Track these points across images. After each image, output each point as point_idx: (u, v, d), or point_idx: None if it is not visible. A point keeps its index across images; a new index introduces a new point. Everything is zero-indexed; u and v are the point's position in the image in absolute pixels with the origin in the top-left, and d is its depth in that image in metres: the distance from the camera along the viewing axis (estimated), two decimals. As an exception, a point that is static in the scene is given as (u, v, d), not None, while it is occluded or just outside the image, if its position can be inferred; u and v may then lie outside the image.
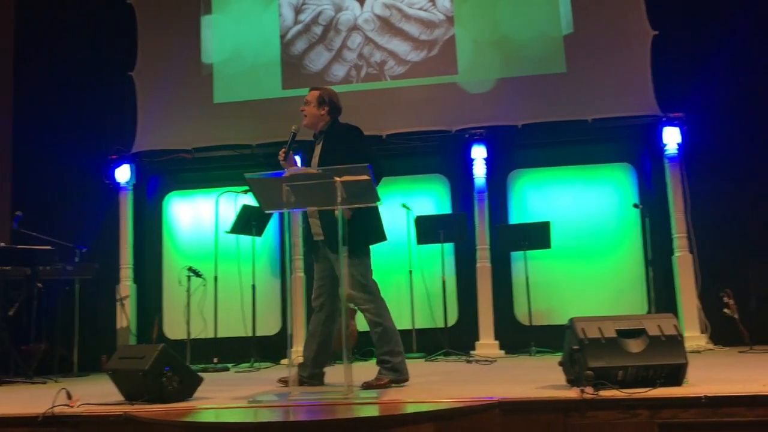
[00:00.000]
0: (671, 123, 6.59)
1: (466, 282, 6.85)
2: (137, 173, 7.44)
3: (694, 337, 6.14)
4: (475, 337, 6.57)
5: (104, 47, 7.63)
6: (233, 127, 7.17)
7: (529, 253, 6.49)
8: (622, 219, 6.87)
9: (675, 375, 3.31)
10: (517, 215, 7.01)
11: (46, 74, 7.74)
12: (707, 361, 4.90)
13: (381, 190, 3.67)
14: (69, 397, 3.45)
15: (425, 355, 6.35)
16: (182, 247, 7.49)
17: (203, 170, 7.49)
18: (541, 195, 7.05)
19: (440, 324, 6.52)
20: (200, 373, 3.90)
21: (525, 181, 7.11)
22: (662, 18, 6.74)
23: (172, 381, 3.58)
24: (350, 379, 3.47)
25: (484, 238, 6.74)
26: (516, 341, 6.48)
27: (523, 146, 7.07)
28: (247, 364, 6.31)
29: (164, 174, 7.63)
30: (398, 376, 4.04)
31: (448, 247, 6.83)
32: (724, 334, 6.21)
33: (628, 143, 7.00)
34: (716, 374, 4.00)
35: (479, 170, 6.84)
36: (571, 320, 3.49)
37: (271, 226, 6.98)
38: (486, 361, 5.71)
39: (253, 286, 6.66)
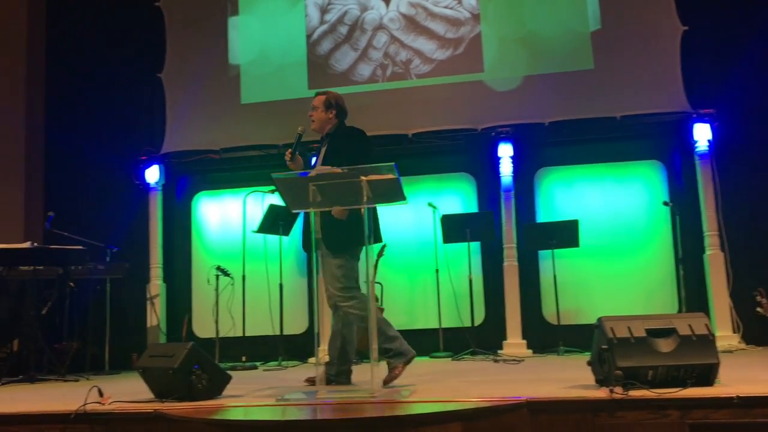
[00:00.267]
0: (702, 119, 6.49)
1: (493, 281, 6.82)
2: (166, 174, 7.54)
3: (726, 337, 6.04)
4: (503, 336, 6.54)
5: (134, 49, 7.73)
6: (260, 128, 7.22)
7: (557, 251, 6.44)
8: (651, 217, 6.78)
9: (706, 375, 3.26)
10: (544, 214, 6.96)
11: (77, 76, 7.87)
12: (739, 361, 4.82)
13: (407, 189, 3.66)
14: (101, 394, 3.51)
15: (452, 355, 6.33)
16: (211, 246, 7.56)
17: (231, 170, 7.55)
18: (569, 193, 6.99)
19: (467, 323, 6.49)
20: (229, 372, 3.94)
21: (552, 179, 7.05)
22: (692, 13, 6.64)
23: (201, 379, 3.62)
24: (377, 378, 3.48)
25: (511, 237, 6.70)
26: (544, 341, 6.43)
27: (550, 144, 7.01)
28: (275, 363, 6.35)
29: (193, 174, 7.71)
30: (406, 358, 4.07)
31: (475, 246, 6.80)
32: (757, 333, 6.11)
33: (657, 140, 6.90)
34: (748, 374, 3.93)
35: (506, 168, 6.80)
36: (600, 319, 3.46)
37: (298, 226, 7.01)
38: (513, 360, 5.68)
39: (281, 285, 6.70)
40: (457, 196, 7.19)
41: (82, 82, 7.84)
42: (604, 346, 3.33)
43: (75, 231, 6.35)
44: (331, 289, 4.15)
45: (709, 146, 6.49)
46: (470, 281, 6.54)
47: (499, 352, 6.30)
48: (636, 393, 3.08)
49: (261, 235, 6.66)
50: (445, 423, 2.93)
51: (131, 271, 6.75)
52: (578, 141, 6.92)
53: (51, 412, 3.43)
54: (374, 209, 4.14)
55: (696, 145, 6.51)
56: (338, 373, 4.22)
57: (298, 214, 6.51)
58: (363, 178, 3.51)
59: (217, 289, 6.69)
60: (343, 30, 7.28)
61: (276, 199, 6.52)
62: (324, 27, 7.34)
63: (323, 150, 4.35)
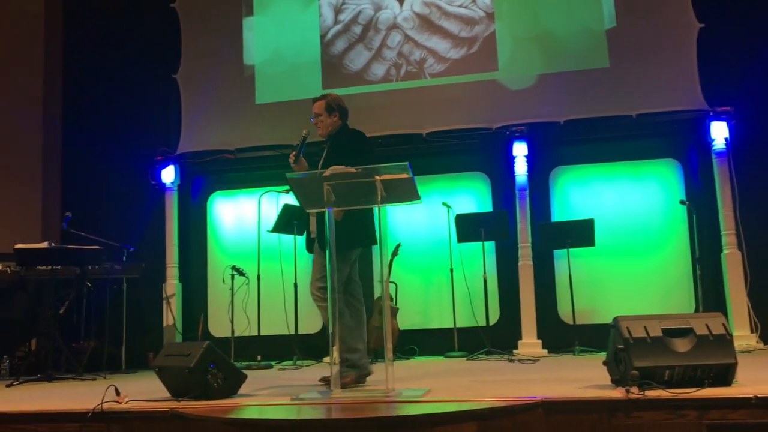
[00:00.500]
0: (719, 117, 6.43)
1: (508, 280, 6.80)
2: (182, 174, 7.58)
3: (744, 337, 5.98)
4: (518, 336, 6.52)
5: (149, 50, 7.79)
6: (275, 128, 7.25)
7: (573, 251, 6.41)
8: (668, 216, 6.73)
9: (724, 375, 3.23)
10: (559, 213, 6.93)
11: (93, 78, 7.94)
12: (757, 361, 4.77)
13: (421, 188, 3.66)
14: (117, 393, 3.53)
15: (467, 354, 6.32)
16: (226, 246, 7.60)
17: (246, 170, 7.59)
18: (584, 192, 6.96)
19: (482, 323, 6.48)
20: (244, 371, 3.96)
21: (568, 178, 7.02)
22: (708, 10, 6.59)
23: (216, 378, 3.64)
24: (392, 378, 3.48)
25: (526, 236, 6.68)
26: (559, 340, 6.40)
27: (565, 143, 6.98)
28: (290, 362, 6.37)
29: (208, 174, 7.76)
30: (359, 372, 4.11)
31: (490, 245, 6.78)
32: (776, 333, 6.06)
33: (673, 138, 6.85)
34: (767, 374, 3.89)
35: (521, 168, 6.78)
36: (616, 319, 3.44)
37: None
38: (528, 360, 5.66)
39: (295, 285, 6.72)
40: (472, 195, 7.18)
41: (98, 84, 7.91)
42: (620, 346, 3.31)
43: (92, 231, 6.40)
44: (314, 282, 4.24)
45: (726, 144, 6.43)
46: (485, 281, 6.52)
47: (514, 351, 6.28)
48: (652, 393, 3.06)
49: (276, 235, 6.68)
50: (459, 423, 2.92)
51: (147, 271, 6.80)
52: (593, 140, 6.89)
53: (68, 410, 3.46)
54: (369, 211, 4.15)
55: (713, 143, 6.46)
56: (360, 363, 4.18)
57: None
58: (377, 177, 3.51)
59: (232, 289, 6.72)
60: (357, 30, 7.29)
61: (290, 199, 6.54)
62: (338, 27, 7.35)
63: (325, 151, 4.39)
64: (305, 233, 4.49)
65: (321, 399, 3.51)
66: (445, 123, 6.96)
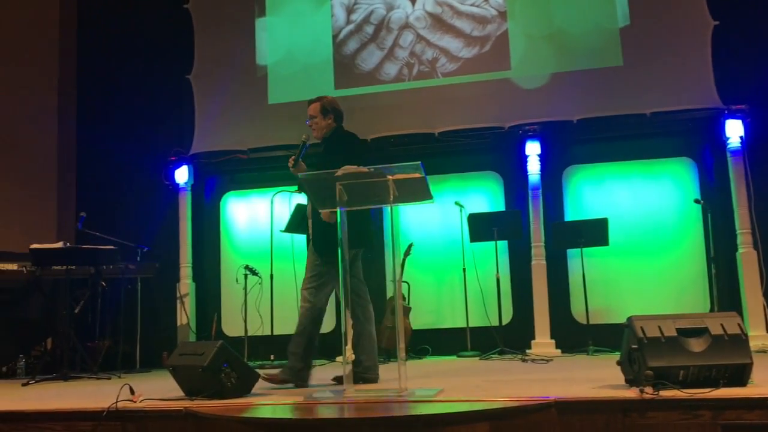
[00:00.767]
0: (734, 115, 6.38)
1: (521, 280, 6.78)
2: (195, 174, 7.62)
3: (760, 336, 5.93)
4: (531, 335, 6.50)
5: (162, 51, 7.83)
6: (287, 128, 7.25)
7: (586, 250, 6.38)
8: (682, 215, 6.69)
9: (739, 375, 3.21)
10: (573, 212, 6.90)
11: (107, 78, 7.99)
12: (774, 362, 4.73)
13: (433, 187, 3.66)
14: (132, 392, 3.56)
15: (479, 354, 6.31)
16: (239, 246, 7.63)
17: (259, 170, 7.61)
18: (598, 191, 6.92)
19: (495, 322, 6.46)
20: (257, 370, 3.97)
21: (581, 178, 6.98)
22: (723, 7, 6.53)
23: (230, 377, 3.65)
24: (404, 377, 3.48)
25: (539, 236, 6.66)
26: (573, 340, 6.38)
27: (578, 142, 6.95)
28: (303, 362, 6.38)
29: (221, 174, 7.79)
30: (289, 378, 4.18)
31: (502, 244, 6.76)
32: (792, 333, 5.99)
33: (688, 137, 6.80)
34: (783, 375, 3.85)
35: (533, 167, 6.76)
36: (630, 319, 3.42)
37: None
38: (542, 360, 5.64)
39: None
40: (484, 194, 7.16)
41: (112, 84, 7.96)
42: (634, 346, 3.29)
43: (106, 231, 6.44)
44: (303, 281, 4.30)
45: (741, 143, 6.38)
46: (498, 280, 6.50)
47: (527, 351, 6.26)
48: (667, 393, 3.04)
49: (288, 235, 6.69)
50: (472, 423, 2.92)
51: (161, 271, 6.83)
52: (607, 138, 6.85)
53: (83, 409, 3.49)
54: (365, 213, 4.18)
55: (728, 141, 6.41)
56: (297, 371, 4.23)
57: (381, 210, 6.57)
58: (389, 177, 3.52)
59: (245, 288, 6.74)
60: (369, 29, 7.29)
61: (303, 199, 6.55)
62: (350, 27, 7.35)
63: (319, 154, 4.45)
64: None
65: (334, 398, 3.52)
66: (458, 122, 6.95)
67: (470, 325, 6.61)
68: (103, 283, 6.17)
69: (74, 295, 5.93)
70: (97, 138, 7.88)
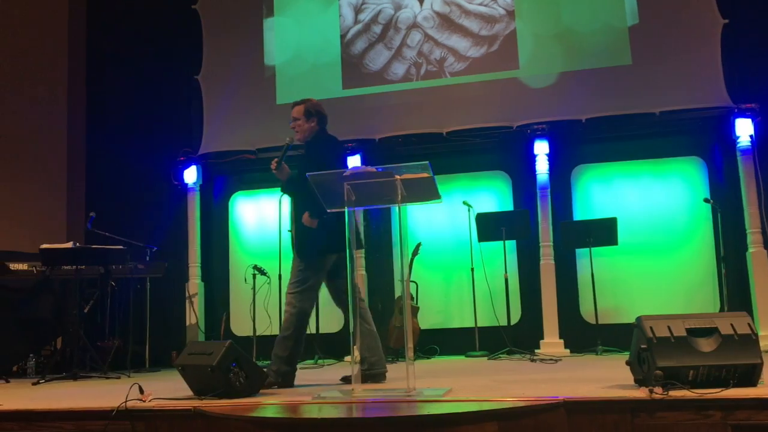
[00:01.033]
0: (743, 114, 6.35)
1: (529, 280, 6.77)
2: (204, 174, 7.64)
3: (770, 337, 5.90)
4: (539, 335, 6.48)
5: (171, 52, 7.85)
6: (295, 128, 7.26)
7: (595, 250, 6.37)
8: (692, 214, 6.66)
9: (749, 375, 3.19)
10: (581, 212, 6.88)
11: (116, 79, 8.03)
12: (784, 362, 4.70)
13: (441, 187, 3.66)
14: (141, 391, 3.57)
15: (488, 354, 6.30)
16: (247, 245, 7.65)
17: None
18: (606, 191, 6.90)
19: (503, 322, 6.45)
20: (266, 370, 3.98)
21: (590, 177, 6.96)
22: (732, 6, 6.50)
23: (239, 377, 3.66)
24: (413, 377, 3.48)
25: (548, 235, 6.64)
26: (581, 340, 6.36)
27: (587, 141, 6.93)
28: (311, 361, 6.40)
29: (230, 175, 7.81)
30: (281, 381, 4.19)
31: (511, 244, 6.75)
32: (803, 333, 5.95)
33: (697, 136, 6.77)
34: (794, 375, 3.83)
35: (542, 166, 6.74)
36: (639, 318, 3.41)
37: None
38: (550, 359, 5.63)
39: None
40: (493, 194, 7.15)
41: (121, 85, 7.99)
42: (643, 346, 3.28)
43: (115, 231, 6.47)
44: (288, 287, 4.33)
45: (751, 142, 6.34)
46: (506, 280, 6.49)
47: (536, 351, 6.25)
48: (676, 393, 3.03)
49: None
50: (480, 422, 2.91)
51: (170, 271, 6.85)
52: (616, 138, 6.83)
53: (93, 408, 3.50)
54: (335, 220, 4.19)
55: (738, 140, 6.37)
56: (284, 374, 4.25)
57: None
58: (397, 177, 3.52)
59: (254, 288, 6.76)
60: (377, 29, 7.30)
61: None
62: (358, 27, 7.36)
63: (301, 157, 4.54)
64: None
65: (342, 398, 3.52)
66: (466, 122, 6.94)
67: (478, 324, 6.61)
68: (113, 282, 6.20)
69: (84, 294, 5.96)
70: (106, 138, 7.92)
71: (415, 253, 6.48)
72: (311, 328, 6.64)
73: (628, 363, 3.51)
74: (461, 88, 7.03)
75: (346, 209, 3.68)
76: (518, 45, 6.94)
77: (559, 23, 6.86)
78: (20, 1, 8.22)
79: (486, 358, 6.19)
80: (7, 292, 6.21)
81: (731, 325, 3.27)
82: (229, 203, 7.79)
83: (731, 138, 6.43)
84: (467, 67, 7.05)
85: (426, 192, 3.61)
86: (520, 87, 6.90)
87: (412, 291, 6.70)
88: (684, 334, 3.26)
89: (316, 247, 4.25)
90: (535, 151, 6.76)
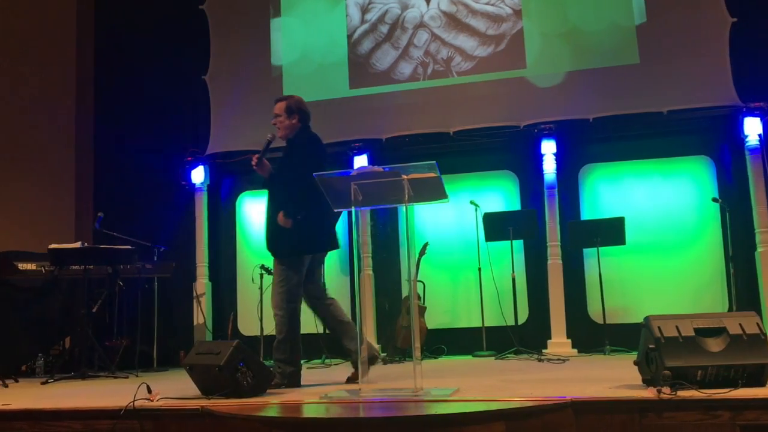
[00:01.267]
0: (752, 113, 6.31)
1: (537, 279, 6.75)
2: (211, 174, 7.66)
3: (779, 336, 5.86)
4: (547, 335, 6.47)
5: (179, 52, 7.87)
6: (302, 128, 7.27)
7: (603, 249, 6.35)
8: (700, 214, 6.63)
9: (758, 375, 3.17)
10: (589, 211, 6.86)
11: (124, 80, 8.05)
12: (794, 362, 4.66)
13: (448, 187, 3.65)
14: (149, 391, 3.58)
15: (495, 354, 6.29)
16: (255, 245, 7.65)
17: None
18: (614, 190, 6.88)
19: (510, 322, 6.44)
20: (272, 369, 3.99)
21: (597, 176, 6.94)
22: (741, 4, 6.47)
23: (246, 376, 3.67)
24: (420, 376, 3.48)
25: (555, 235, 6.63)
26: (589, 340, 6.35)
27: (595, 140, 6.91)
28: (319, 361, 6.40)
29: (237, 175, 7.82)
30: (287, 382, 4.21)
31: (518, 244, 6.74)
32: (812, 333, 5.91)
33: (706, 135, 6.74)
34: (804, 375, 3.80)
35: (549, 165, 6.73)
36: (647, 318, 3.40)
37: (340, 225, 7.04)
38: (558, 359, 5.62)
39: (323, 284, 6.72)
40: (500, 193, 7.14)
41: (129, 85, 8.02)
42: (651, 346, 3.27)
43: (123, 231, 6.49)
44: (272, 290, 4.35)
45: (759, 140, 6.31)
46: (513, 280, 6.48)
47: (543, 351, 6.24)
48: (685, 393, 3.02)
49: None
50: (488, 422, 2.91)
51: (178, 270, 6.87)
52: (624, 137, 6.81)
53: (101, 408, 3.52)
54: (323, 216, 4.26)
55: (746, 139, 6.34)
56: (289, 375, 4.27)
57: (340, 213, 6.58)
58: (404, 176, 3.52)
59: (261, 288, 6.76)
60: (384, 29, 7.30)
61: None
62: (365, 26, 7.36)
63: (282, 154, 4.51)
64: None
65: (349, 398, 3.53)
66: (473, 121, 6.93)
67: (486, 324, 6.60)
68: (121, 282, 6.21)
69: (92, 294, 5.97)
70: (114, 138, 7.96)
71: (422, 252, 6.48)
72: (318, 328, 6.67)
73: (636, 363, 3.50)
74: (468, 87, 7.02)
75: (353, 209, 3.68)
76: (525, 44, 6.93)
77: (567, 22, 6.85)
78: (28, 3, 8.27)
79: (493, 357, 6.18)
80: (15, 291, 6.24)
81: (740, 324, 3.26)
82: (237, 203, 7.81)
83: (740, 137, 6.40)
84: (474, 66, 7.04)
85: (433, 192, 3.61)
86: (527, 86, 6.89)
87: (420, 291, 6.69)
88: (692, 333, 3.25)
89: (291, 246, 4.26)
90: (543, 151, 6.74)
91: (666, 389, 3.03)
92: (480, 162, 7.16)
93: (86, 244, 5.91)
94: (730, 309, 6.17)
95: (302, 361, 6.41)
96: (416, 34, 7.20)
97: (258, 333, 6.71)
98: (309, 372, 5.64)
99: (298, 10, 7.57)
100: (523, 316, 6.68)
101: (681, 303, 6.29)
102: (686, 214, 6.66)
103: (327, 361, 6.37)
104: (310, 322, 6.75)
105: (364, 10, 7.39)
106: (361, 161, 7.02)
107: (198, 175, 7.56)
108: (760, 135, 6.30)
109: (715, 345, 3.22)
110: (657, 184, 6.77)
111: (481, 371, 5.00)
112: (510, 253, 6.50)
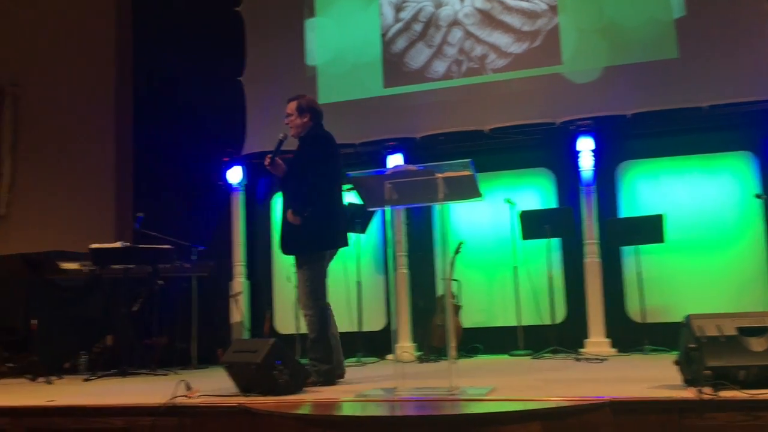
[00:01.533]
0: (796, 107, 6.16)
1: (574, 278, 6.67)
2: (248, 174, 7.73)
3: (826, 336, 5.70)
4: (585, 334, 6.39)
5: (215, 54, 7.97)
6: (337, 127, 7.20)
7: (642, 247, 6.25)
8: (742, 210, 6.48)
9: (803, 376, 3.10)
10: (627, 209, 6.76)
11: (162, 82, 8.19)
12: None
13: (484, 185, 3.64)
14: (188, 388, 3.64)
15: (532, 353, 6.24)
16: (290, 244, 7.70)
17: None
18: (653, 187, 6.76)
19: (547, 321, 6.38)
20: (307, 368, 4.01)
21: (636, 173, 6.84)
22: (785, -5, 6.31)
23: (282, 374, 3.71)
24: (455, 375, 3.47)
25: (593, 233, 6.54)
26: (628, 339, 6.25)
27: (633, 136, 6.80)
28: (354, 359, 6.42)
29: (273, 174, 7.84)
30: (323, 380, 4.20)
31: (555, 242, 6.67)
32: None
33: (747, 130, 6.58)
34: None
35: (586, 163, 6.64)
36: (688, 317, 3.35)
37: (374, 224, 7.06)
38: (596, 359, 5.55)
39: (359, 282, 6.77)
40: (536, 191, 7.07)
41: (167, 87, 8.15)
42: (692, 345, 3.21)
43: (162, 230, 6.58)
44: (298, 293, 4.40)
45: (804, 135, 6.15)
46: (550, 278, 6.42)
47: (580, 350, 6.16)
48: (726, 394, 2.96)
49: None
50: (524, 422, 2.89)
51: (216, 269, 6.96)
52: (663, 133, 6.69)
53: (142, 405, 3.59)
54: (333, 213, 4.27)
55: (790, 134, 6.19)
56: (325, 373, 4.27)
57: (374, 212, 6.60)
58: (438, 175, 3.51)
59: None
60: (418, 27, 7.28)
61: (353, 198, 6.58)
62: (399, 25, 7.36)
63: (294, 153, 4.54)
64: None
65: (385, 396, 3.53)
66: (508, 119, 6.87)
67: (522, 323, 6.55)
68: (160, 281, 6.31)
69: (132, 293, 6.07)
70: (152, 140, 8.09)
71: (457, 251, 6.45)
72: (354, 326, 6.69)
73: (676, 363, 3.45)
74: (503, 84, 6.97)
75: (387, 208, 3.69)
76: (561, 40, 6.85)
77: (603, 17, 6.75)
78: (68, 5, 8.47)
79: (530, 357, 6.13)
80: (59, 290, 6.39)
81: (784, 324, 3.18)
82: (272, 203, 7.87)
83: (783, 131, 6.25)
84: (509, 63, 6.98)
85: (467, 190, 3.60)
86: (563, 82, 6.81)
87: (455, 289, 6.67)
88: (734, 333, 3.19)
89: (309, 243, 4.30)
90: (579, 148, 6.66)
91: (707, 389, 2.98)
92: (515, 160, 7.10)
93: (127, 243, 6.01)
94: (774, 308, 6.02)
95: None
96: (450, 32, 7.17)
97: (294, 331, 6.76)
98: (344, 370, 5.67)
99: (333, 11, 7.60)
100: (560, 314, 6.62)
101: (722, 301, 6.15)
102: (727, 210, 6.51)
103: (362, 359, 6.39)
104: (344, 321, 6.82)
105: (398, 9, 7.38)
106: (395, 160, 7.02)
107: (234, 175, 7.65)
108: (804, 129, 6.14)
109: (758, 344, 3.16)
110: (697, 181, 6.64)
111: (517, 370, 4.96)
112: (546, 252, 6.44)
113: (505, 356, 6.43)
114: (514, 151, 7.03)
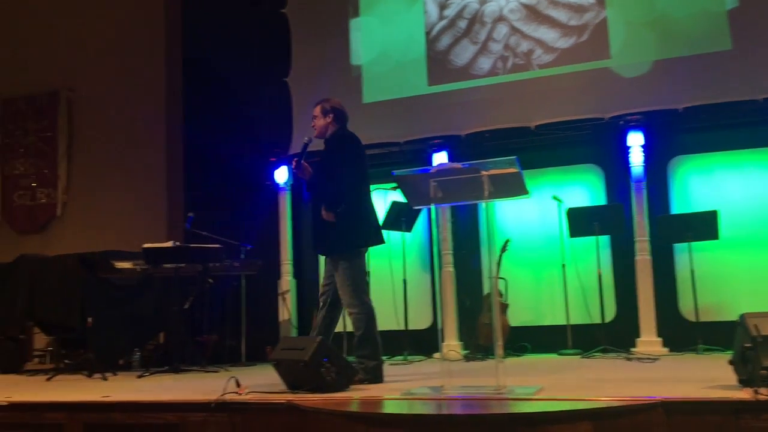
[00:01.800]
0: None
1: (624, 276, 6.55)
2: (294, 174, 7.80)
3: None
4: (635, 333, 6.27)
5: (262, 55, 8.08)
6: (382, 126, 7.32)
7: (695, 244, 6.10)
8: (800, 206, 6.27)
9: None
10: (679, 205, 6.60)
11: (211, 82, 8.34)
12: None
13: (530, 182, 3.60)
14: (238, 385, 3.70)
15: (581, 352, 6.16)
16: (337, 243, 7.75)
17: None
18: (706, 182, 6.59)
19: (596, 320, 6.28)
20: (354, 365, 4.04)
21: (688, 168, 6.67)
22: None
23: (330, 372, 3.74)
24: (502, 374, 3.44)
25: (643, 230, 6.41)
26: (680, 338, 6.11)
27: (685, 131, 6.64)
28: (401, 357, 6.43)
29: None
30: (370, 378, 4.21)
31: (604, 239, 6.56)
32: None
33: (806, 123, 6.36)
34: None
35: (636, 158, 6.51)
36: (743, 316, 3.26)
37: (420, 222, 7.05)
38: (648, 358, 5.45)
39: (404, 281, 6.77)
40: (584, 188, 6.97)
41: (216, 88, 8.29)
42: (747, 344, 3.13)
43: (212, 230, 6.70)
44: (340, 293, 4.35)
45: None
46: (599, 276, 6.32)
47: (631, 350, 6.05)
48: (784, 395, 2.87)
49: (384, 232, 6.74)
50: (573, 422, 2.85)
51: (264, 268, 7.04)
52: (716, 126, 6.51)
53: (194, 401, 3.66)
54: (366, 210, 4.28)
55: None
56: (371, 370, 4.29)
57: (420, 210, 6.60)
58: (483, 172, 3.49)
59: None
60: (463, 24, 7.24)
61: (398, 196, 6.59)
62: (443, 22, 7.33)
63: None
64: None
65: (431, 394, 3.53)
66: (555, 115, 6.78)
67: (571, 322, 6.46)
68: (211, 280, 6.41)
69: (184, 291, 6.19)
70: (202, 141, 8.23)
71: (503, 249, 6.39)
72: (400, 325, 6.70)
73: (731, 362, 3.36)
74: (550, 80, 6.88)
75: (432, 206, 3.69)
76: (609, 34, 6.72)
77: (653, 9, 6.60)
78: (118, 10, 8.68)
79: (579, 356, 6.05)
80: (113, 289, 6.55)
81: None
82: (318, 202, 7.92)
83: None
84: (556, 58, 6.89)
85: (513, 187, 3.57)
86: (611, 77, 6.69)
87: (501, 287, 6.61)
88: (792, 332, 3.09)
89: (345, 240, 4.31)
90: (629, 143, 6.53)
91: (763, 390, 2.89)
92: (563, 156, 7.00)
93: (178, 243, 6.13)
94: (836, 306, 5.81)
95: (384, 358, 6.51)
96: (495, 28, 7.11)
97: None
98: (391, 368, 5.68)
99: (377, 9, 7.62)
100: (610, 313, 6.51)
101: (780, 300, 5.97)
102: (784, 206, 6.31)
103: (408, 357, 6.39)
104: (391, 319, 6.83)
105: (443, 7, 7.35)
106: (440, 158, 7.00)
107: (281, 175, 7.73)
108: None
109: (817, 344, 3.05)
110: (752, 176, 6.44)
111: (566, 370, 4.90)
112: (595, 249, 6.34)
113: (554, 355, 6.36)
114: (561, 147, 6.94)
